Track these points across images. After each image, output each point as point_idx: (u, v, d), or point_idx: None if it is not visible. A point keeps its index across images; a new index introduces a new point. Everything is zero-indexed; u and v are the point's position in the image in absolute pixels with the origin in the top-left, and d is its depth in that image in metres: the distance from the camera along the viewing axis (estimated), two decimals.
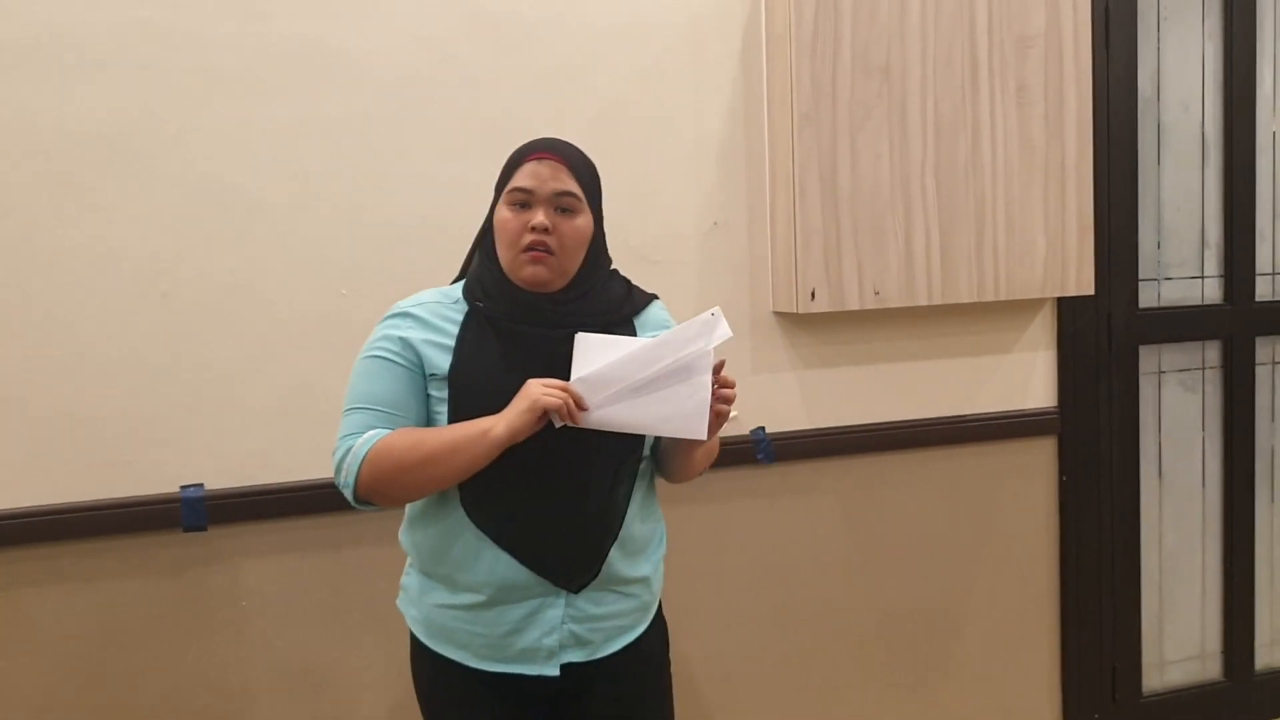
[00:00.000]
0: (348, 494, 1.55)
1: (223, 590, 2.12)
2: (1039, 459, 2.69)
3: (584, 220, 1.58)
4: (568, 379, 1.51)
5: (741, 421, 2.41)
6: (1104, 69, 2.65)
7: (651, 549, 1.70)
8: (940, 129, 2.35)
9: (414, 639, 1.67)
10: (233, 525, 2.10)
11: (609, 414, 1.50)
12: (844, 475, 2.52)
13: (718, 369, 1.53)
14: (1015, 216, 2.42)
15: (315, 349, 2.13)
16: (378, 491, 1.52)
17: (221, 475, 2.09)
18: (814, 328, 2.44)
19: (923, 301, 2.38)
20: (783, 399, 2.43)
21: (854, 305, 2.33)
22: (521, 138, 2.19)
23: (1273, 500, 3.00)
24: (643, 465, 1.64)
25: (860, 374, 2.50)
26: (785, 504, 2.48)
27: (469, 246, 1.75)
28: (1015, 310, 2.62)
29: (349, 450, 1.53)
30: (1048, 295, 2.49)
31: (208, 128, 2.04)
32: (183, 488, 2.07)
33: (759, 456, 2.40)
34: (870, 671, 2.59)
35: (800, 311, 2.30)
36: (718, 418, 1.55)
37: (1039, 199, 2.44)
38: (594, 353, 1.51)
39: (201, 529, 2.07)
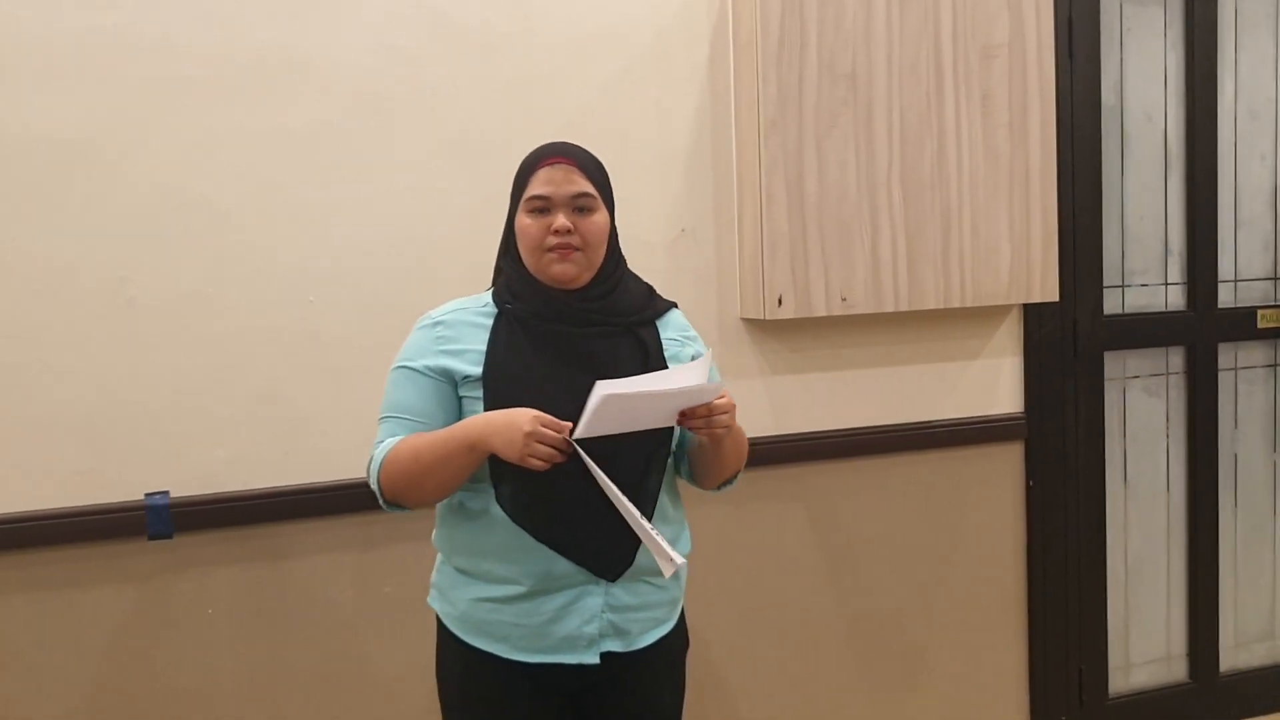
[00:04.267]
0: (380, 500, 1.64)
1: (189, 598, 2.11)
2: (1006, 464, 2.71)
3: (601, 216, 1.64)
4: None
5: None
6: (1067, 79, 2.69)
7: (680, 542, 1.74)
8: (906, 136, 2.38)
9: (444, 635, 1.70)
10: (198, 533, 2.10)
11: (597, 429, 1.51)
12: (812, 481, 2.54)
13: (714, 408, 1.55)
14: (980, 224, 2.45)
15: (281, 357, 2.13)
16: (398, 497, 1.61)
17: (187, 483, 2.09)
18: (781, 334, 2.46)
19: (889, 308, 2.39)
20: (751, 405, 2.44)
21: (821, 311, 2.34)
22: (488, 147, 2.22)
23: (1236, 504, 3.04)
24: (669, 461, 1.69)
25: (828, 380, 2.51)
26: (753, 510, 2.49)
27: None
28: (981, 317, 2.64)
29: (372, 458, 1.63)
30: (1013, 302, 2.51)
31: (171, 136, 2.04)
32: (148, 495, 2.05)
33: None
34: (839, 676, 2.60)
35: (768, 318, 2.32)
36: (708, 431, 1.57)
37: (1004, 206, 2.46)
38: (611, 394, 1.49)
39: (167, 537, 2.06)
